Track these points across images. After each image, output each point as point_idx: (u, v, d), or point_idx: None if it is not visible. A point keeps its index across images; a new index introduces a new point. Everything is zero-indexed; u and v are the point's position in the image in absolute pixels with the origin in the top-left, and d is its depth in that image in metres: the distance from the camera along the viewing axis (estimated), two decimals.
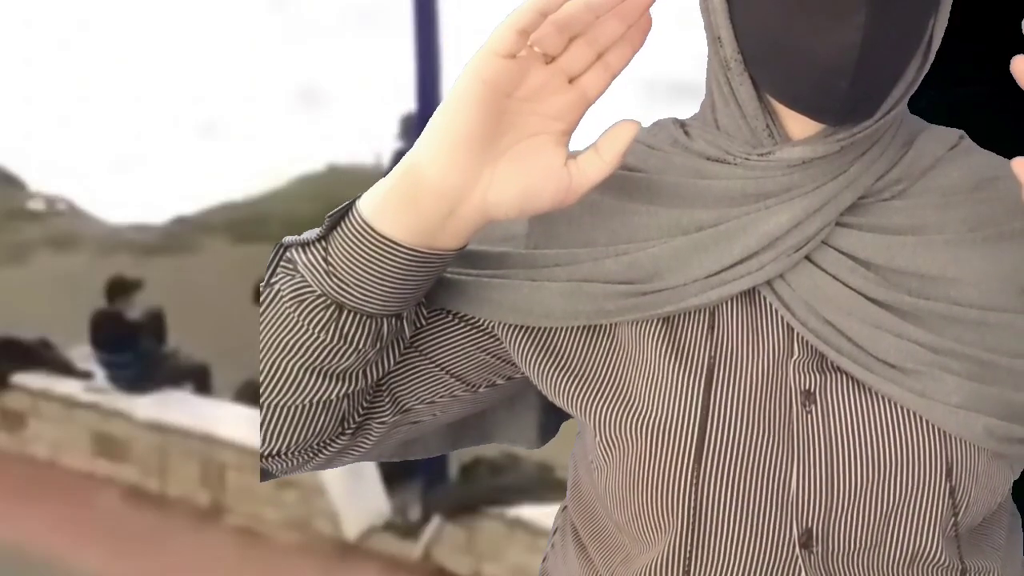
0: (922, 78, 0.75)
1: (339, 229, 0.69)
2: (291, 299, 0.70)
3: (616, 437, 0.74)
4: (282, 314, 0.71)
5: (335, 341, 0.71)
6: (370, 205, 0.68)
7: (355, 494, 4.45)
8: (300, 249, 0.71)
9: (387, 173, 0.71)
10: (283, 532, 4.51)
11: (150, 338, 5.43)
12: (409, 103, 4.25)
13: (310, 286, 0.70)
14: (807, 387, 0.73)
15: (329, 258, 0.69)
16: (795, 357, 0.73)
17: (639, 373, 0.74)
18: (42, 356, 5.58)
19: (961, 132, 0.81)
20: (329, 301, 0.70)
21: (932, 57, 0.74)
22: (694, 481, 0.71)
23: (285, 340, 0.71)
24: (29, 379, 5.47)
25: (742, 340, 0.74)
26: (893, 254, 0.74)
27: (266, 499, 4.58)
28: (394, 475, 4.50)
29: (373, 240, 0.68)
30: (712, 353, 0.74)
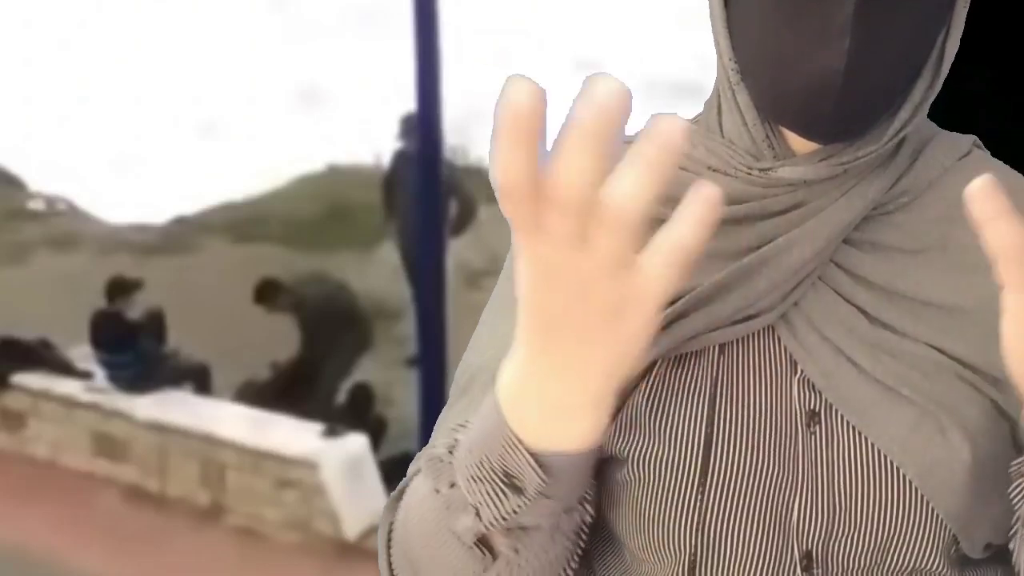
0: (934, 95, 0.73)
1: (553, 475, 0.60)
2: (568, 542, 0.68)
3: (619, 469, 0.73)
4: (549, 552, 0.68)
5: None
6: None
7: (355, 494, 4.45)
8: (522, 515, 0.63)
9: (387, 174, 0.69)
10: (283, 532, 4.51)
11: (150, 338, 5.42)
12: (409, 103, 4.25)
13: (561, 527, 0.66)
14: (812, 407, 0.71)
15: (563, 497, 0.63)
16: (799, 375, 0.72)
17: (646, 406, 0.73)
18: (42, 356, 5.58)
19: (974, 139, 0.79)
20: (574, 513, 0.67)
21: (944, 74, 0.72)
22: (698, 511, 0.71)
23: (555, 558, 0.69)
24: (29, 379, 5.47)
25: (745, 362, 0.73)
26: (893, 277, 0.72)
27: (266, 499, 4.58)
28: (394, 475, 4.49)
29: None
30: (715, 379, 0.73)
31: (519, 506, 0.61)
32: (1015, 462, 0.66)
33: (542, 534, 0.65)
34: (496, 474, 0.61)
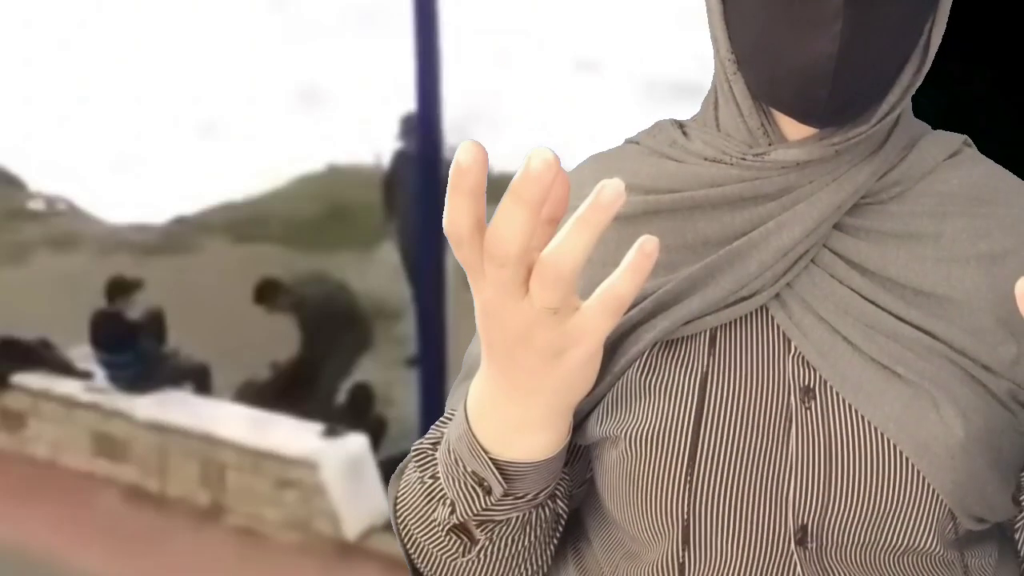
0: (921, 80, 0.75)
1: (513, 482, 0.68)
2: (541, 535, 0.76)
3: (613, 448, 0.75)
4: (519, 543, 0.75)
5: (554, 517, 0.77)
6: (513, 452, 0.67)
7: (355, 494, 4.45)
8: (492, 510, 0.70)
9: (387, 174, 0.73)
10: (283, 532, 4.51)
11: (150, 338, 5.42)
12: (409, 103, 4.25)
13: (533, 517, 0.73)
14: (807, 383, 0.72)
15: (528, 496, 0.70)
16: (793, 353, 0.73)
17: (639, 384, 0.74)
18: (42, 356, 5.58)
19: (965, 138, 0.81)
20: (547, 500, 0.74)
21: (930, 60, 0.74)
22: (687, 488, 0.72)
23: (523, 544, 0.76)
24: (29, 379, 5.47)
25: (739, 341, 0.74)
26: (886, 263, 0.74)
27: (266, 499, 4.58)
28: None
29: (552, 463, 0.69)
30: (708, 358, 0.74)
31: (488, 505, 0.68)
32: None
33: (513, 527, 0.72)
34: (467, 475, 0.67)
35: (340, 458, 4.47)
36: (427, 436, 0.78)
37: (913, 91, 0.75)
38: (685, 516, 0.72)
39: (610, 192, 0.51)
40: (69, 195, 10.27)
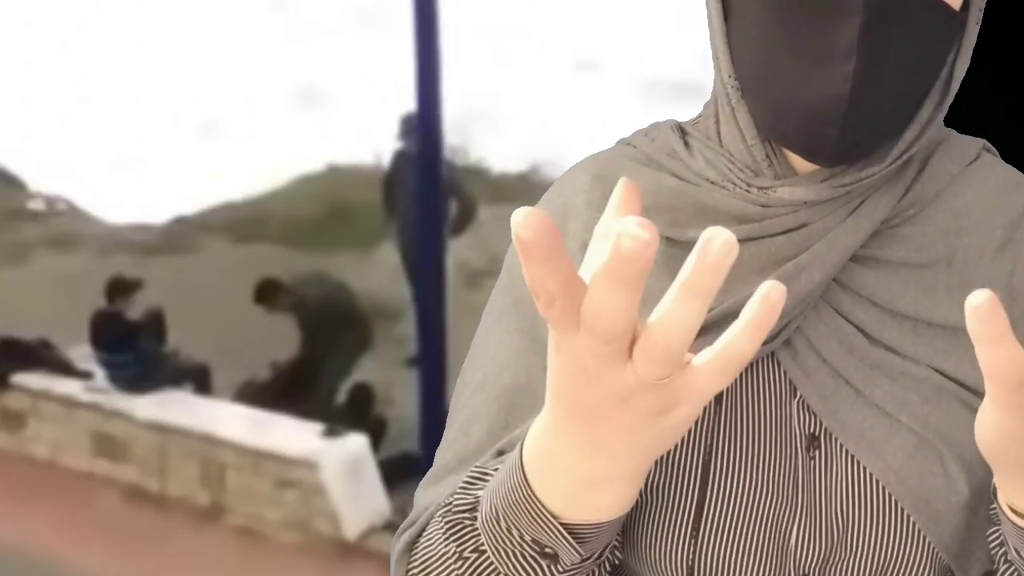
0: (941, 116, 0.70)
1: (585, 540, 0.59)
2: None
3: None
4: None
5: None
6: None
7: (355, 494, 4.45)
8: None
9: (387, 174, 0.68)
10: (283, 532, 4.51)
11: (150, 338, 5.42)
12: (409, 103, 4.25)
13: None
14: (812, 430, 0.70)
15: (595, 556, 0.62)
16: (798, 398, 0.71)
17: None
18: (42, 356, 5.58)
19: (983, 142, 0.77)
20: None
21: (953, 93, 0.70)
22: (693, 537, 0.70)
23: None
24: (29, 379, 5.47)
25: (745, 386, 0.71)
26: (894, 296, 0.70)
27: (266, 499, 4.58)
28: (394, 475, 4.51)
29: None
30: (715, 404, 0.71)
31: (554, 573, 0.60)
32: (993, 506, 0.64)
33: None
34: (527, 544, 0.60)
35: (340, 458, 4.47)
36: (455, 502, 0.67)
37: (933, 126, 0.70)
38: (690, 563, 0.70)
39: (719, 247, 0.43)
40: (69, 195, 10.26)
